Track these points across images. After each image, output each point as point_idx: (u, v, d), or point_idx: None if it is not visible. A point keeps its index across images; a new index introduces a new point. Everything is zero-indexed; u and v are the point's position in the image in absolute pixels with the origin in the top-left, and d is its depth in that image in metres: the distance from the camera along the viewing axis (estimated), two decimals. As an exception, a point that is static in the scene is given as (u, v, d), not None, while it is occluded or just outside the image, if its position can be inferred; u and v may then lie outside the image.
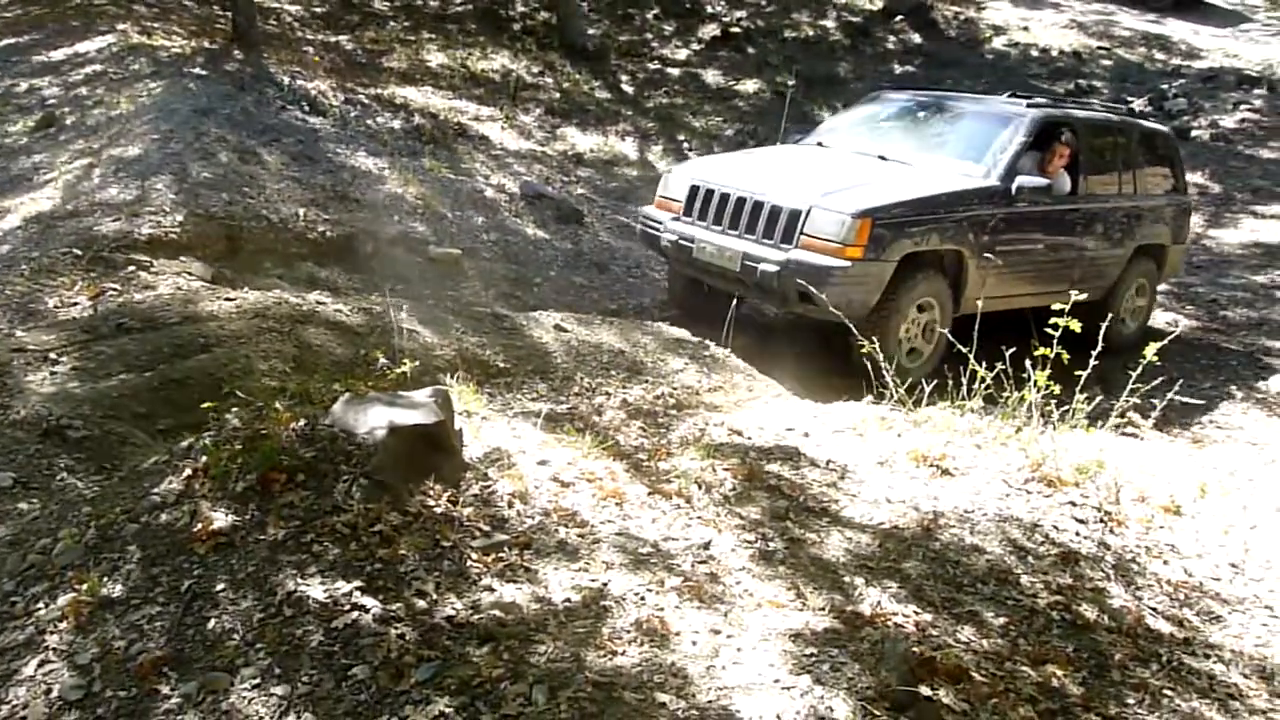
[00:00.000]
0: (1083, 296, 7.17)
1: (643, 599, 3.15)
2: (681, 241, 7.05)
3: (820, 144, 8.06)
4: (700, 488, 4.07)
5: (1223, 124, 14.67)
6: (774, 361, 6.69)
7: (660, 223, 7.27)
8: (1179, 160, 9.26)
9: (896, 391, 5.16)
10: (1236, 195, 12.82)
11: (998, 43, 16.83)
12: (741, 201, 6.81)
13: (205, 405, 3.82)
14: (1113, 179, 8.20)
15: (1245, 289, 10.26)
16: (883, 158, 7.45)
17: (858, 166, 7.29)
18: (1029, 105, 7.76)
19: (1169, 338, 5.10)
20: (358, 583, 3.02)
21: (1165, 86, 15.77)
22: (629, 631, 2.98)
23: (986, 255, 6.98)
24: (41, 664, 2.85)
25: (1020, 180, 7.09)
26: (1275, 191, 12.90)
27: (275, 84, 10.22)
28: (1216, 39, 17.90)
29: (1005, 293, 7.24)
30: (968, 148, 7.41)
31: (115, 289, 5.83)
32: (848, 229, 6.34)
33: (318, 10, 14.61)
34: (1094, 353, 4.96)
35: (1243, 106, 15.20)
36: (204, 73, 9.91)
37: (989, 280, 7.06)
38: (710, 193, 7.01)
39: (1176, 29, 18.27)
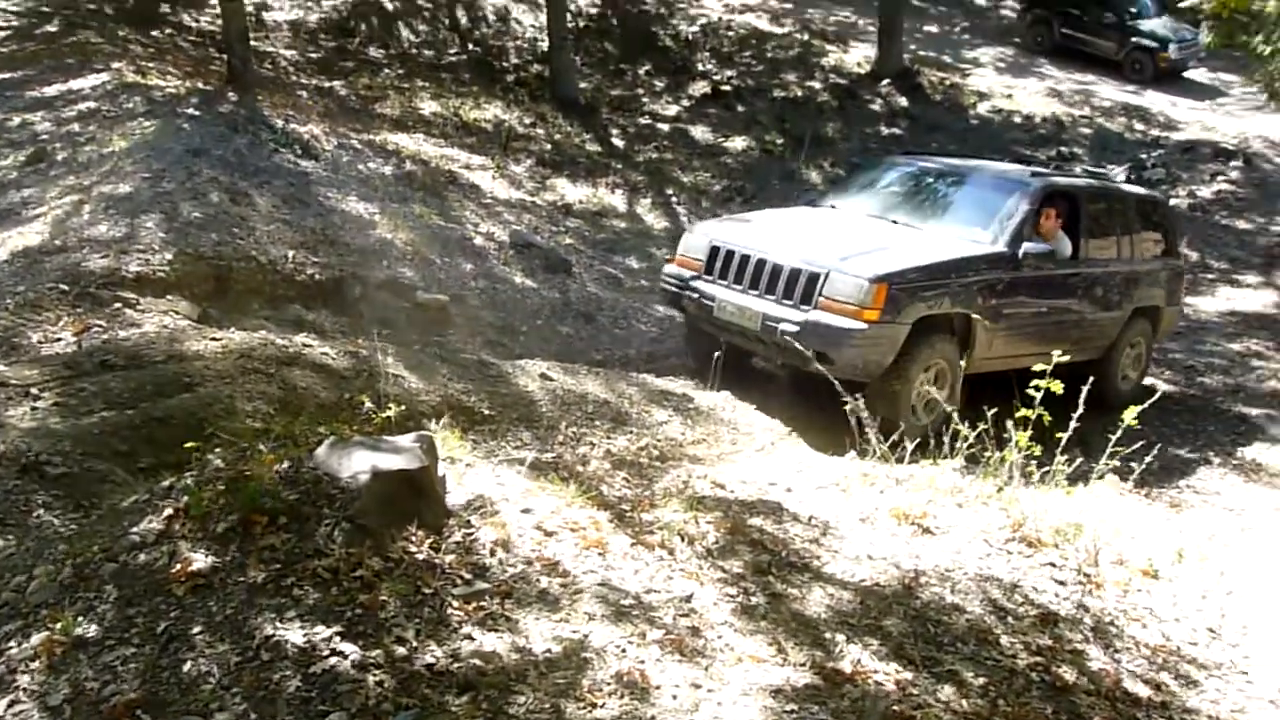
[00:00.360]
0: (1083, 356, 7.69)
1: (624, 651, 3.14)
2: (703, 300, 7.20)
3: (834, 206, 8.26)
4: (683, 540, 4.06)
5: (1200, 194, 14.95)
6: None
7: (682, 281, 7.40)
8: (1174, 226, 9.62)
9: (879, 447, 5.19)
10: (1214, 264, 13.03)
11: (982, 108, 17.14)
12: (762, 263, 6.98)
13: (188, 445, 3.80)
14: (1112, 244, 8.49)
15: (1222, 356, 10.40)
16: (895, 222, 7.69)
17: (872, 231, 7.51)
18: (1033, 174, 8.10)
19: (1149, 401, 5.15)
20: (337, 628, 3.00)
21: (1144, 156, 16.07)
22: (609, 684, 2.97)
23: (988, 317, 7.20)
24: (11, 704, 2.81)
25: (1026, 246, 7.37)
26: (1251, 261, 13.14)
27: (269, 127, 10.29)
28: (1194, 111, 18.29)
29: (1010, 353, 7.39)
30: (976, 214, 7.66)
31: (100, 325, 5.82)
32: (865, 292, 6.55)
33: (313, 56, 14.76)
34: (1074, 415, 5.00)
35: (1219, 178, 15.50)
36: (198, 113, 9.98)
37: (995, 341, 7.27)
38: (731, 253, 7.17)
39: (1155, 101, 18.66)
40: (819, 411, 6.57)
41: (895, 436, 5.23)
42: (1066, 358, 7.13)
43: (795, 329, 6.67)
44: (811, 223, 7.84)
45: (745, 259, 7.08)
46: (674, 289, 7.49)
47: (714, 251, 7.28)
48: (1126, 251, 8.61)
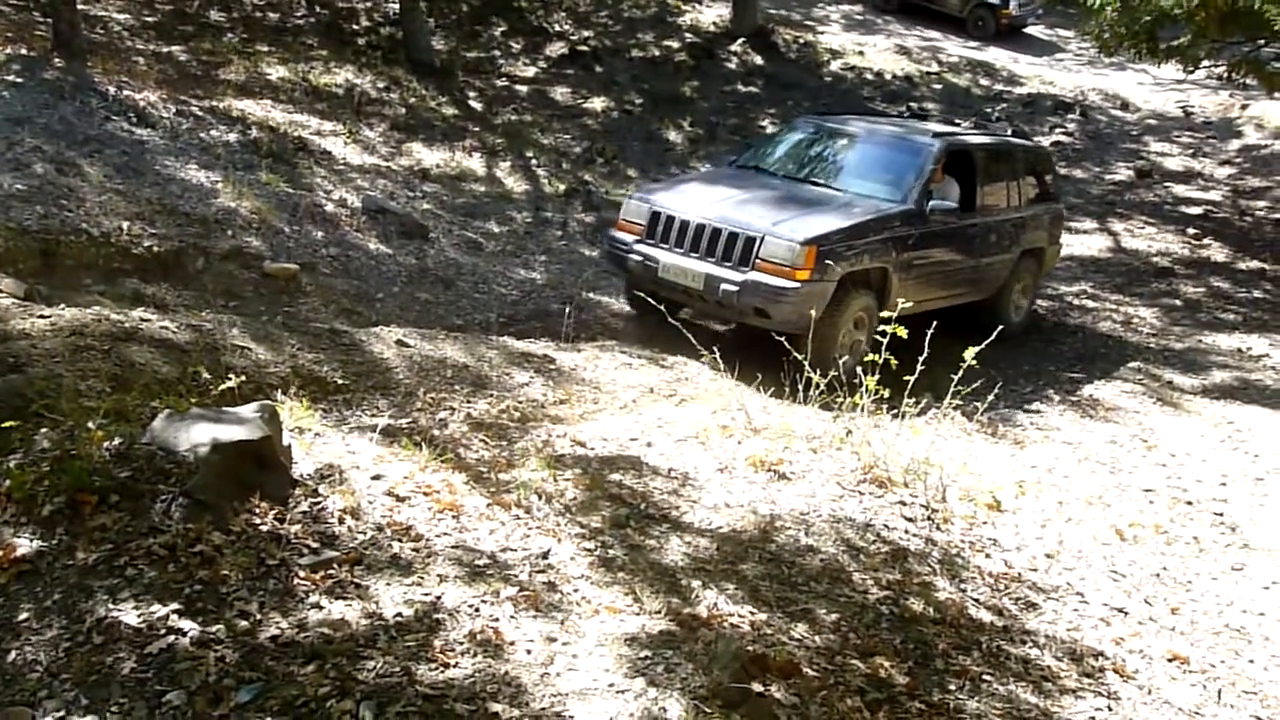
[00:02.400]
0: (979, 296, 8.75)
1: (477, 610, 3.11)
2: (646, 262, 7.75)
3: (757, 168, 8.83)
4: (541, 498, 4.05)
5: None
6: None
7: (626, 244, 7.93)
8: (1053, 172, 10.53)
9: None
10: (1054, 212, 13.59)
11: (835, 66, 17.45)
12: (701, 228, 7.57)
13: (6, 425, 3.58)
14: (1002, 193, 9.26)
15: (1060, 299, 10.91)
16: (814, 183, 8.40)
17: (797, 194, 8.18)
18: (934, 135, 8.78)
19: (986, 343, 5.35)
20: (175, 605, 2.89)
21: (989, 110, 16.67)
22: (462, 643, 2.94)
23: (900, 269, 7.91)
24: None
25: (933, 203, 8.14)
26: (1088, 209, 13.79)
27: (100, 94, 9.72)
28: (1034, 67, 19.03)
29: (920, 298, 8.00)
30: (886, 174, 8.34)
31: (-87, 307, 5.41)
32: (797, 254, 7.19)
33: (149, 20, 13.99)
34: (920, 358, 5.17)
35: (1058, 130, 16.21)
36: (19, 80, 9.35)
37: (907, 289, 7.84)
38: (671, 219, 7.73)
39: (998, 56, 19.34)
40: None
41: (827, 378, 5.52)
42: (981, 295, 8.64)
43: (736, 288, 7.32)
44: (741, 187, 8.31)
45: (685, 224, 7.65)
46: (618, 252, 8.05)
47: (654, 217, 7.83)
48: (1015, 199, 9.39)
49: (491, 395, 5.88)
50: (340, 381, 5.58)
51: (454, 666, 2.83)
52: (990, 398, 5.77)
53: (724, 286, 7.35)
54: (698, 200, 7.91)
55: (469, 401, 5.71)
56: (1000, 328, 6.03)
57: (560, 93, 15.36)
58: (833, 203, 7.96)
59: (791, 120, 10.83)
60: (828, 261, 7.29)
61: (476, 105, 14.42)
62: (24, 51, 10.66)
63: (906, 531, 4.42)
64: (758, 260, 7.31)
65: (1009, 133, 10.82)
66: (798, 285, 7.20)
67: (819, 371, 5.55)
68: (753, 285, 7.28)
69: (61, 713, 2.58)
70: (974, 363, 4.98)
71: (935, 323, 5.65)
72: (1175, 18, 11.73)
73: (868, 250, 7.62)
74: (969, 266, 8.78)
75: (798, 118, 10.44)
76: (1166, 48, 12.53)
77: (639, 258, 7.82)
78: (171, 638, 2.78)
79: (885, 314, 5.41)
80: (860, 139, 8.86)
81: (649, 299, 7.54)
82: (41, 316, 5.37)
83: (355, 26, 15.62)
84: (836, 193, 8.18)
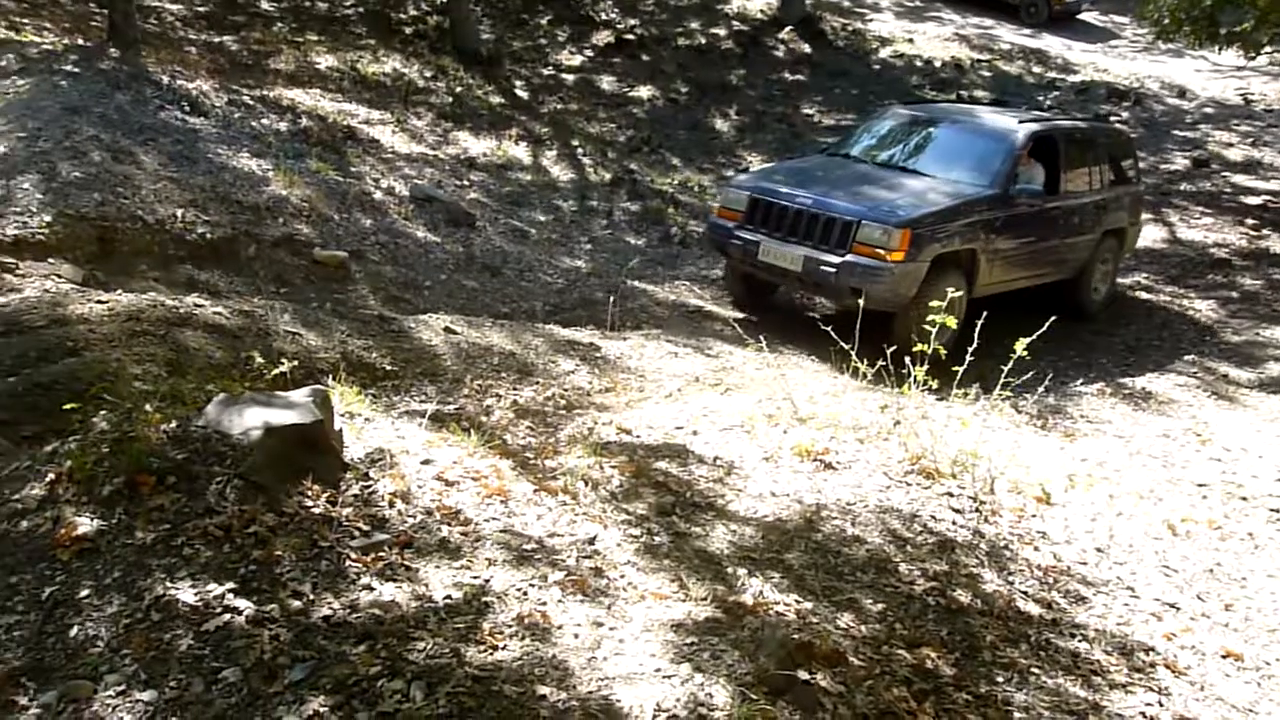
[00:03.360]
0: (1062, 276, 9.41)
1: (525, 594, 3.14)
2: (747, 246, 8.27)
3: (848, 156, 9.29)
4: (587, 484, 4.07)
5: (1094, 134, 15.27)
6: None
7: (726, 230, 8.46)
8: (1134, 155, 10.87)
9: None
10: (1107, 202, 13.34)
11: (884, 53, 17.27)
12: (800, 213, 8.04)
13: (68, 407, 3.67)
14: (1086, 177, 9.59)
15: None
16: (904, 169, 8.78)
17: (890, 180, 8.59)
18: (1020, 121, 9.13)
19: (1037, 334, 5.27)
20: (230, 585, 2.95)
21: (1042, 98, 16.40)
22: (510, 626, 2.97)
23: (988, 251, 8.29)
24: (-113, 678, 2.70)
25: (1019, 187, 8.53)
26: (1144, 199, 13.52)
27: (153, 83, 9.88)
28: (1088, 54, 18.70)
29: (1005, 278, 8.67)
30: (975, 160, 8.71)
31: (-23, 292, 5.56)
32: (893, 237, 7.63)
33: (200, 9, 14.19)
34: (969, 349, 5.12)
35: (1112, 118, 15.91)
36: (76, 70, 9.52)
37: (994, 270, 8.40)
38: (770, 205, 8.23)
39: (1052, 44, 19.02)
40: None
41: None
42: (1064, 275, 9.37)
43: (833, 269, 7.78)
44: (836, 174, 8.78)
45: (784, 210, 8.12)
46: (719, 238, 8.61)
47: (754, 203, 8.33)
48: (1097, 182, 9.68)
49: (537, 382, 5.92)
50: (389, 368, 5.65)
51: (502, 649, 2.86)
52: (1040, 389, 5.70)
53: (822, 268, 7.80)
54: (794, 187, 8.33)
55: (515, 388, 5.76)
56: (1052, 318, 5.95)
57: (606, 81, 15.36)
58: (924, 188, 8.33)
59: (879, 109, 11.14)
60: (921, 243, 7.67)
61: (523, 94, 14.46)
62: (80, 42, 10.87)
63: (954, 523, 4.38)
64: (855, 243, 7.72)
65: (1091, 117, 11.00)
66: (893, 266, 7.60)
67: (911, 345, 5.54)
68: (849, 266, 7.69)
69: (122, 686, 2.64)
70: (1024, 354, 4.92)
71: (985, 313, 5.59)
72: (1237, 1, 11.45)
73: (958, 233, 8.00)
74: (1053, 247, 9.06)
75: (886, 106, 10.71)
76: (1227, 33, 12.26)
77: (739, 242, 8.30)
78: (227, 616, 2.84)
79: (934, 303, 5.36)
80: (948, 126, 9.23)
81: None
82: (99, 302, 5.49)
83: (402, 16, 15.72)
84: (927, 178, 8.53)
